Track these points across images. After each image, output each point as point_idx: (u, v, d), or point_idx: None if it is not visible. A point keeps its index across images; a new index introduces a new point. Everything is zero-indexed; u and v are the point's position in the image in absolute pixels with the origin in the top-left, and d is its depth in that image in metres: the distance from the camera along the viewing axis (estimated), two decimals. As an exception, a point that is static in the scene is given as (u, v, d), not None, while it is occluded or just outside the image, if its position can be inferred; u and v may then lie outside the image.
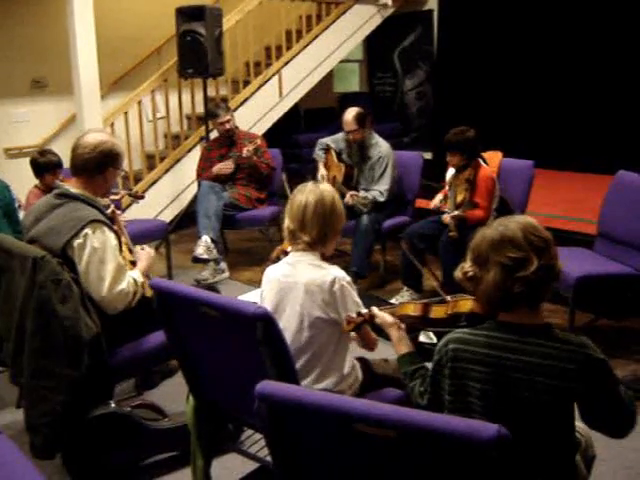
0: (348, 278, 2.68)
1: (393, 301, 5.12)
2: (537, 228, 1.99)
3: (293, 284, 2.67)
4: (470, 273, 2.03)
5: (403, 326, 2.50)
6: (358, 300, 2.68)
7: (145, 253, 3.52)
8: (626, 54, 8.15)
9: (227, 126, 6.30)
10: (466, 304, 2.31)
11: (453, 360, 1.99)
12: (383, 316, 2.50)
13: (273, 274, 2.75)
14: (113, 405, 3.13)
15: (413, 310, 2.47)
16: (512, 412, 1.92)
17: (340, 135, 5.94)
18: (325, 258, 2.77)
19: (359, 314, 2.53)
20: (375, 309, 2.54)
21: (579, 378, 1.90)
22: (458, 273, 2.08)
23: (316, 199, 2.68)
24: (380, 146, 5.69)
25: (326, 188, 2.75)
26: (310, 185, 2.76)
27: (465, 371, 1.97)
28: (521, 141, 7.89)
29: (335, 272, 2.65)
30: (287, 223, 2.74)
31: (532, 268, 1.92)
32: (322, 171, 5.85)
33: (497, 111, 9.17)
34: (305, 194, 2.70)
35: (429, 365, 2.21)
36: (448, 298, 2.49)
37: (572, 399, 1.95)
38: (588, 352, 1.92)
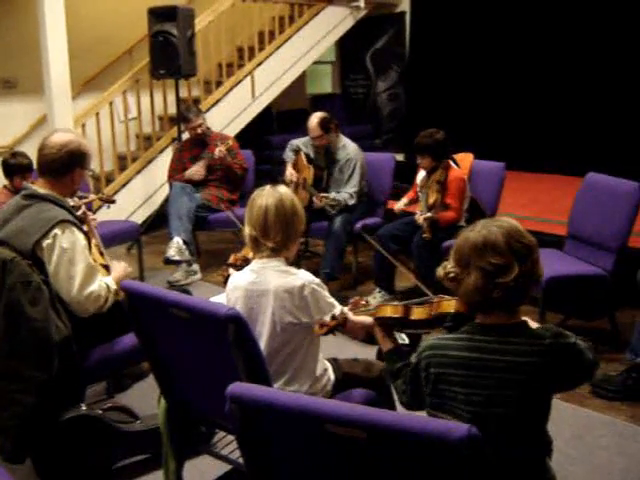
0: (317, 280, 2.66)
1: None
2: (521, 233, 1.99)
3: (261, 292, 2.63)
4: (452, 274, 2.02)
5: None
6: (331, 300, 2.67)
7: (121, 266, 3.50)
8: (595, 57, 8.23)
9: (199, 130, 6.29)
10: (450, 304, 2.29)
11: (434, 366, 1.99)
12: (361, 319, 2.49)
13: (239, 282, 2.70)
14: (84, 408, 3.11)
15: (393, 312, 2.42)
16: (497, 413, 1.93)
17: (308, 138, 5.93)
18: (293, 261, 2.75)
19: (333, 317, 2.51)
20: (350, 314, 2.52)
21: (560, 368, 1.95)
22: (440, 271, 2.07)
23: (276, 203, 2.63)
24: (347, 148, 5.69)
25: (284, 191, 2.70)
26: (268, 189, 2.70)
27: (447, 376, 1.97)
28: (492, 143, 7.95)
29: (303, 276, 2.63)
30: (248, 230, 2.68)
31: (512, 275, 1.92)
32: (290, 171, 5.85)
33: (469, 113, 9.22)
34: (264, 198, 2.65)
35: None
36: (432, 296, 2.48)
37: (553, 390, 1.99)
38: (563, 341, 1.97)
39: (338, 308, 2.66)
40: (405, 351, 2.39)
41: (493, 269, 1.93)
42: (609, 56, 8.11)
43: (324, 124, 5.63)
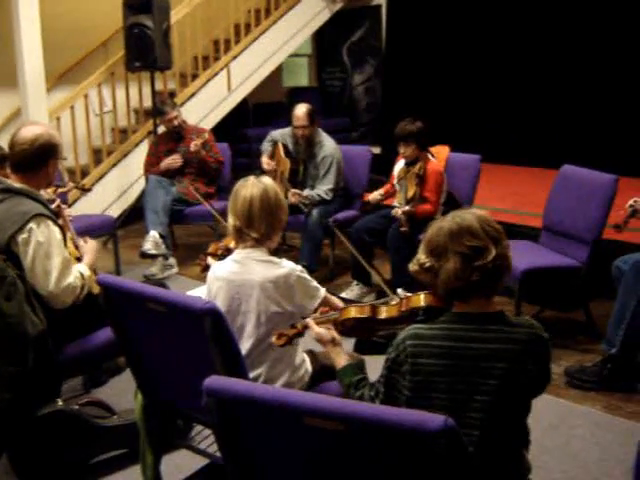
0: (299, 267, 2.71)
1: (343, 295, 5.14)
2: (490, 219, 2.04)
3: (245, 282, 2.65)
4: (427, 264, 2.03)
5: (339, 338, 2.43)
6: (315, 284, 2.72)
7: (90, 245, 3.49)
8: (570, 49, 8.27)
9: (174, 122, 6.25)
10: (420, 298, 2.29)
11: (413, 356, 1.98)
12: (319, 332, 2.42)
13: (221, 272, 2.72)
14: (60, 403, 3.09)
15: (359, 313, 2.41)
16: (477, 402, 1.95)
17: (287, 130, 5.95)
18: (273, 252, 2.76)
19: (292, 326, 2.47)
20: (310, 321, 2.46)
21: (534, 357, 1.99)
22: (414, 266, 2.09)
23: (261, 194, 2.66)
24: (325, 145, 5.70)
25: (268, 181, 2.73)
26: (252, 179, 2.73)
27: (427, 366, 1.97)
28: (468, 135, 7.98)
29: (287, 265, 2.67)
30: (232, 221, 2.70)
31: (490, 257, 1.96)
32: (265, 160, 5.86)
33: (444, 106, 9.24)
34: (248, 189, 2.67)
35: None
36: (394, 295, 2.48)
37: (529, 381, 2.01)
38: (538, 332, 2.02)
39: (322, 290, 2.73)
40: (359, 365, 2.38)
41: (471, 252, 1.96)
42: (583, 48, 8.14)
43: (311, 115, 5.67)
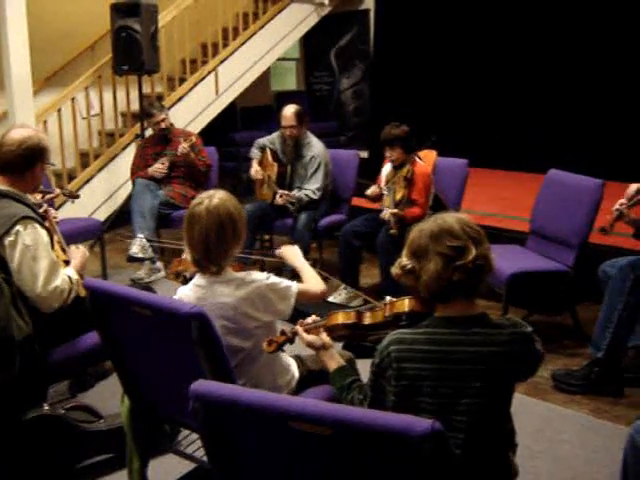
0: (265, 275, 2.65)
1: (331, 299, 5.13)
2: (469, 221, 2.06)
3: (214, 305, 2.58)
4: (409, 266, 2.06)
5: (329, 342, 2.44)
6: (286, 283, 2.67)
7: (79, 252, 3.48)
8: (556, 55, 8.31)
9: (162, 125, 6.25)
10: (405, 303, 2.30)
11: (397, 361, 1.99)
12: (309, 339, 2.45)
13: (187, 298, 2.64)
14: (46, 407, 3.07)
15: (345, 318, 2.43)
16: (462, 405, 1.96)
17: (275, 135, 5.96)
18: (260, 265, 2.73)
19: (282, 333, 2.50)
20: (299, 329, 2.49)
21: (519, 356, 2.00)
22: (396, 269, 2.11)
23: (216, 224, 2.52)
24: (313, 146, 5.72)
25: (220, 202, 2.56)
26: (205, 203, 2.56)
27: (412, 371, 1.98)
28: (455, 140, 7.99)
29: (253, 278, 2.60)
30: (190, 252, 2.62)
31: (470, 256, 1.98)
32: (255, 168, 5.86)
33: (432, 110, 9.26)
34: (203, 219, 2.53)
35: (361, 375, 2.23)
36: (377, 303, 2.49)
37: (515, 380, 2.04)
38: (522, 330, 2.04)
39: (294, 286, 2.68)
40: (351, 366, 2.41)
41: (452, 252, 1.98)
42: (569, 54, 8.18)
43: (299, 115, 5.69)
